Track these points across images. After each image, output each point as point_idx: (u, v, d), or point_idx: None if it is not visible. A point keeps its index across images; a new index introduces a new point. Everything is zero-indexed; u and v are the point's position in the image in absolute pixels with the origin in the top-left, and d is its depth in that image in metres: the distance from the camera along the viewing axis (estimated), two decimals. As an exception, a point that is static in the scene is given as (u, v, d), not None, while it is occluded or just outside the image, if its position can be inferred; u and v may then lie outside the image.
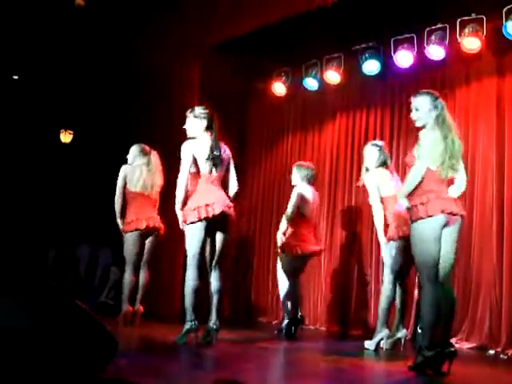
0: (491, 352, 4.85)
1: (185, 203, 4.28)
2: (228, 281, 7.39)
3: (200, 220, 4.17)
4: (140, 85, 7.70)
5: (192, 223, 4.20)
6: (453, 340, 5.02)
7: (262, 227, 7.31)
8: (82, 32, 7.80)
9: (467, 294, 5.26)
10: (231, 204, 4.37)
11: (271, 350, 4.66)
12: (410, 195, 3.56)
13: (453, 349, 3.49)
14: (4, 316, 2.18)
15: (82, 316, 2.28)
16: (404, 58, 5.87)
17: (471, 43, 5.39)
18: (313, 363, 4.07)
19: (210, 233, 4.33)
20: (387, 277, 4.62)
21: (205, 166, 4.31)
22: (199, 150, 4.31)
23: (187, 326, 4.21)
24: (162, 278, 6.76)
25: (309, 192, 5.42)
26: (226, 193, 4.46)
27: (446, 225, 3.48)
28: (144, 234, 5.48)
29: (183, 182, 4.26)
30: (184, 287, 4.29)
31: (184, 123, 4.47)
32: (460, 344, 5.05)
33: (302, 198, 5.34)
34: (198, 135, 4.36)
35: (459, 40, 5.41)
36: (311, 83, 6.72)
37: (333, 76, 6.49)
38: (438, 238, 3.47)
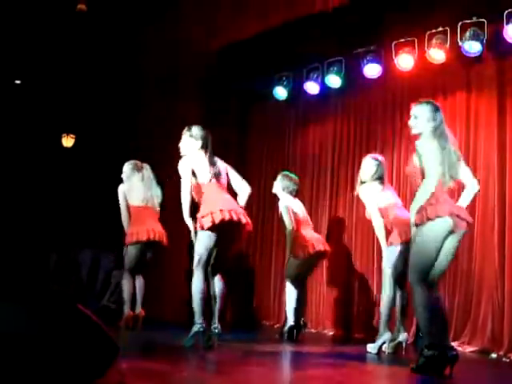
0: (493, 355, 4.82)
1: (195, 212, 4.34)
2: (231, 284, 7.42)
3: (214, 225, 4.19)
4: (141, 89, 7.72)
5: (203, 229, 4.24)
6: (455, 343, 5.02)
7: (264, 231, 7.31)
8: (83, 37, 7.83)
9: (469, 297, 5.25)
10: (242, 211, 4.39)
11: (273, 353, 4.66)
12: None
13: (454, 352, 3.49)
14: (5, 320, 2.18)
15: (83, 320, 2.28)
16: (405, 62, 5.87)
17: (472, 46, 5.40)
18: (315, 367, 4.07)
19: (219, 240, 4.35)
20: (387, 281, 4.66)
21: (204, 177, 4.37)
22: (196, 165, 4.38)
23: (195, 328, 4.21)
24: (165, 283, 6.77)
25: (292, 202, 5.53)
26: (235, 199, 4.52)
27: (451, 232, 3.51)
28: (145, 246, 5.56)
29: (187, 191, 4.31)
30: (191, 290, 4.30)
31: (182, 128, 4.51)
32: (462, 347, 5.04)
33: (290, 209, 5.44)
34: (192, 154, 4.43)
35: (460, 43, 5.42)
36: (312, 87, 6.73)
37: (334, 80, 6.50)
38: (440, 242, 3.49)
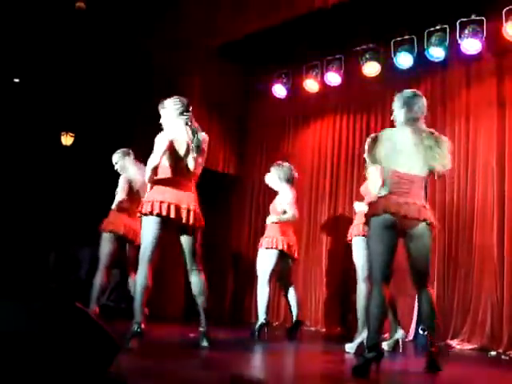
0: (493, 353, 4.83)
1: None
2: (229, 283, 7.43)
3: (155, 215, 3.87)
4: (141, 88, 7.72)
5: (145, 215, 3.92)
6: (454, 341, 5.03)
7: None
8: (82, 35, 7.83)
9: (468, 294, 5.25)
10: (197, 210, 4.02)
11: (273, 350, 4.66)
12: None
13: (433, 349, 3.40)
14: (5, 320, 2.18)
15: (81, 319, 2.29)
16: (404, 60, 5.88)
17: (471, 44, 5.40)
18: (313, 364, 4.07)
19: (176, 233, 4.06)
20: (361, 276, 4.46)
21: (180, 160, 4.00)
22: (177, 140, 4.00)
23: (134, 327, 3.86)
24: (165, 280, 6.76)
25: (289, 194, 5.30)
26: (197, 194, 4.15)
27: (394, 226, 3.30)
28: (121, 239, 5.25)
29: (155, 160, 3.91)
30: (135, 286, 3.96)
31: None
32: (461, 345, 5.05)
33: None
34: (172, 123, 4.07)
35: (459, 41, 5.42)
36: (311, 85, 6.74)
37: (333, 77, 6.50)
38: (382, 238, 3.28)
